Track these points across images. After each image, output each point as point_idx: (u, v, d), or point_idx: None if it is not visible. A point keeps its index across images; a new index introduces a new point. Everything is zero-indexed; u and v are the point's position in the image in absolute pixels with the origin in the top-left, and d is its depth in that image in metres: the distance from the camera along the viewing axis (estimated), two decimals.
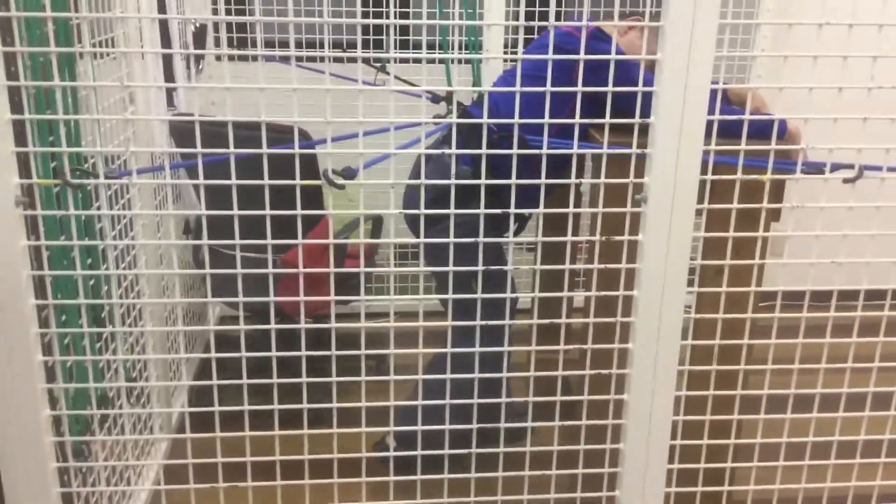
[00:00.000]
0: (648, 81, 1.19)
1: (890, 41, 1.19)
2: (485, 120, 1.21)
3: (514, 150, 1.23)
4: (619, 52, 1.89)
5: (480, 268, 1.29)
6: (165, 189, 2.34)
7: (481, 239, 1.28)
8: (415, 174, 2.22)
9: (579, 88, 1.21)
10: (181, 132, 2.32)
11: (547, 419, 1.39)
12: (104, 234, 1.70)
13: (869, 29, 1.20)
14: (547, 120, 1.20)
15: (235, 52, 1.09)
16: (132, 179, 1.27)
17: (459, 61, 2.11)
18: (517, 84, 1.22)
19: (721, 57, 1.21)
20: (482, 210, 1.27)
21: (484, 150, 1.24)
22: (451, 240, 1.26)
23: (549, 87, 1.19)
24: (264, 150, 1.21)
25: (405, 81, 2.40)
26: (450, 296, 1.29)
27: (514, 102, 1.92)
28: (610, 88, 1.19)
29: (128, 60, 1.96)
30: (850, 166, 1.26)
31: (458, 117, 1.83)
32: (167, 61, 2.30)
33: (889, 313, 1.34)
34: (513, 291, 2.13)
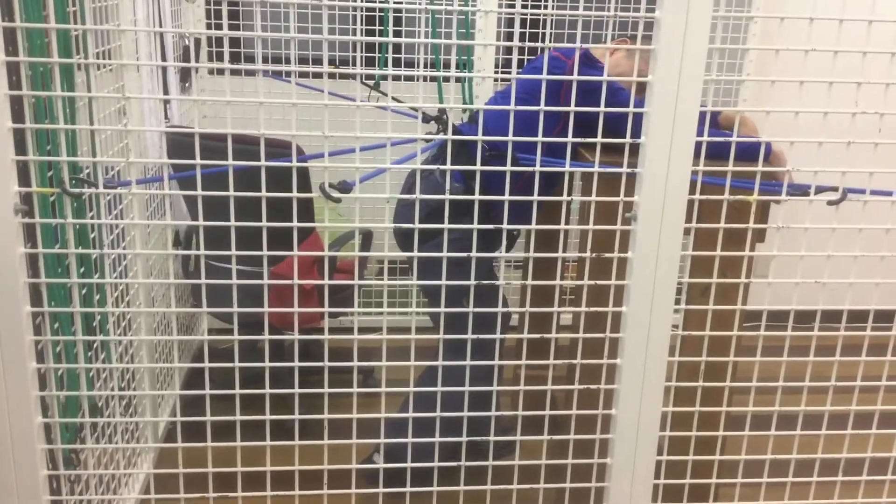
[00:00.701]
0: (635, 103, 1.22)
1: (874, 68, 1.23)
2: (479, 137, 1.24)
3: (508, 168, 1.25)
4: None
5: (472, 282, 1.31)
6: (157, 200, 2.35)
7: (473, 254, 1.30)
8: (405, 192, 2.24)
9: (571, 109, 1.23)
10: (174, 144, 2.34)
11: (533, 434, 1.41)
12: (100, 244, 1.71)
13: (854, 56, 1.24)
14: (539, 138, 1.23)
15: (234, 66, 1.11)
16: (131, 189, 1.28)
17: (452, 80, 2.14)
18: (510, 104, 1.25)
19: (709, 81, 1.24)
20: (475, 224, 1.30)
21: (478, 167, 1.26)
22: (444, 254, 1.28)
23: (542, 107, 1.21)
24: (262, 163, 1.23)
25: (397, 100, 2.43)
26: (441, 309, 1.31)
27: (504, 123, 1.95)
28: (602, 110, 1.22)
29: (123, 73, 1.97)
30: (835, 189, 1.29)
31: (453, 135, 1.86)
32: (162, 75, 2.32)
33: (871, 333, 1.36)
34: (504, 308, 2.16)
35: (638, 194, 1.24)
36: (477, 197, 1.27)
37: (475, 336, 1.33)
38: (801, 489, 1.47)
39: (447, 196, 1.28)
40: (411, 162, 1.48)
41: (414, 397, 1.46)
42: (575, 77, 1.23)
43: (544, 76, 1.25)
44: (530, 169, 1.26)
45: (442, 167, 1.29)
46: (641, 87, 2.04)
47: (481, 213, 1.28)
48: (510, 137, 1.25)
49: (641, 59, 1.99)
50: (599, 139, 1.24)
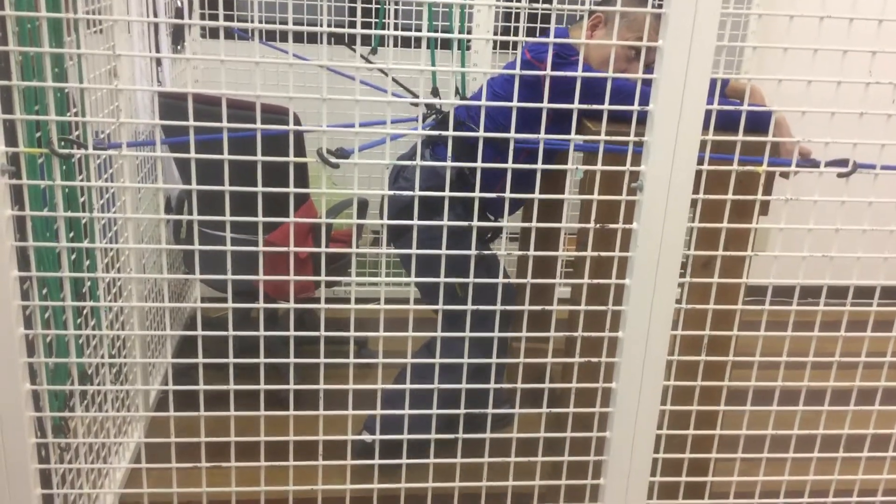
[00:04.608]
0: (621, 85, 1.18)
1: (890, 37, 1.20)
2: (483, 102, 1.20)
3: (512, 134, 1.22)
4: (585, 66, 1.88)
5: (473, 252, 1.28)
6: (150, 165, 2.30)
7: (474, 223, 1.26)
8: (392, 181, 2.20)
9: (575, 106, 1.20)
10: (166, 108, 2.29)
11: (531, 407, 1.39)
12: (89, 207, 1.67)
13: (868, 24, 1.20)
14: (546, 105, 1.19)
15: (227, 24, 1.06)
16: (121, 151, 1.24)
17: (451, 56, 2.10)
18: (504, 92, 1.20)
19: (720, 48, 1.20)
20: (477, 193, 1.26)
21: (480, 134, 1.22)
22: (445, 223, 1.24)
23: (544, 98, 1.17)
24: (258, 126, 1.19)
25: (395, 81, 2.38)
26: (441, 279, 1.28)
27: (496, 110, 1.91)
28: (607, 107, 1.18)
29: (114, 34, 1.92)
30: (845, 162, 1.26)
31: (444, 120, 1.80)
32: (154, 38, 2.26)
33: (878, 309, 1.34)
34: (507, 284, 2.13)
35: (645, 164, 1.21)
36: (479, 164, 1.23)
37: (474, 307, 1.30)
38: (802, 465, 1.45)
39: (448, 164, 1.25)
40: (413, 133, 1.44)
41: (410, 369, 1.43)
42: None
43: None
44: (535, 136, 1.23)
45: (443, 132, 1.25)
46: (627, 58, 2.00)
47: (472, 201, 1.24)
48: (515, 103, 1.21)
49: (626, 29, 1.94)
50: (606, 106, 1.21)
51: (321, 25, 1.16)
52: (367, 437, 2.12)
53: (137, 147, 2.11)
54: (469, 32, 2.89)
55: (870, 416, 1.44)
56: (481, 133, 1.21)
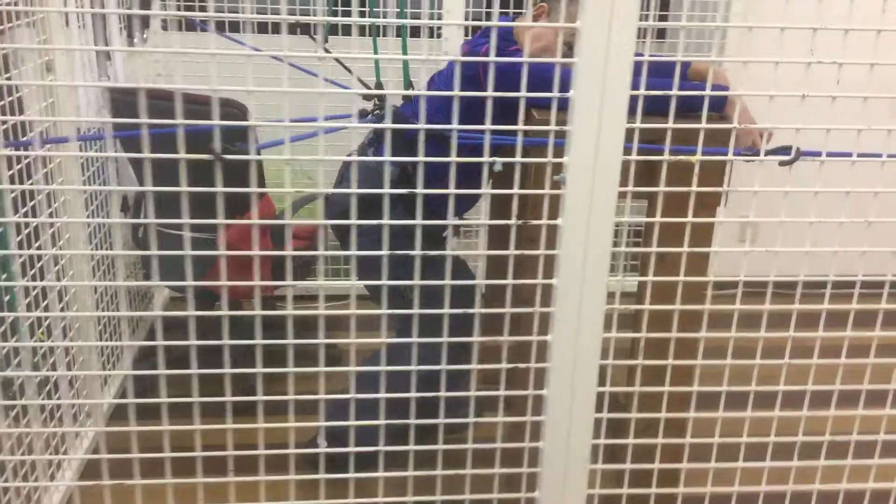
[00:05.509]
0: (565, 73, 1.09)
1: (832, 13, 1.10)
2: (416, 92, 1.12)
3: (446, 126, 1.13)
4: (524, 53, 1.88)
5: (418, 252, 1.19)
6: (98, 164, 2.23)
7: (419, 221, 1.16)
8: (337, 182, 2.13)
9: (508, 94, 1.11)
10: (120, 105, 2.21)
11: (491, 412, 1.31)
12: (3, 212, 1.59)
13: (839, 3, 1.10)
14: (488, 94, 1.11)
15: (138, 12, 0.98)
16: (34, 151, 1.17)
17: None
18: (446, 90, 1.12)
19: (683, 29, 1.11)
20: (420, 190, 1.17)
21: (413, 126, 1.14)
22: (386, 222, 1.14)
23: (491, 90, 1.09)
24: (179, 122, 1.11)
25: (341, 64, 2.30)
26: (384, 282, 1.20)
27: (439, 108, 1.85)
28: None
29: (47, 26, 1.84)
30: (788, 149, 1.17)
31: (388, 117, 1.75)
32: (97, 29, 2.18)
33: (828, 307, 1.25)
34: (470, 278, 2.04)
35: (567, 154, 1.12)
36: (414, 159, 1.14)
37: (421, 311, 1.21)
38: (753, 474, 1.35)
39: (387, 158, 1.16)
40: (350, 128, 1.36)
41: (363, 376, 1.34)
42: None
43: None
44: (469, 128, 1.14)
45: (377, 125, 1.16)
46: (558, 52, 1.91)
47: (415, 201, 1.15)
48: (456, 92, 1.12)
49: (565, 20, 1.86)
50: (523, 94, 1.11)
51: (246, 12, 1.08)
52: (322, 444, 2.05)
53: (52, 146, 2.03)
54: (438, 19, 2.80)
55: (825, 420, 1.34)
56: (415, 125, 1.12)
